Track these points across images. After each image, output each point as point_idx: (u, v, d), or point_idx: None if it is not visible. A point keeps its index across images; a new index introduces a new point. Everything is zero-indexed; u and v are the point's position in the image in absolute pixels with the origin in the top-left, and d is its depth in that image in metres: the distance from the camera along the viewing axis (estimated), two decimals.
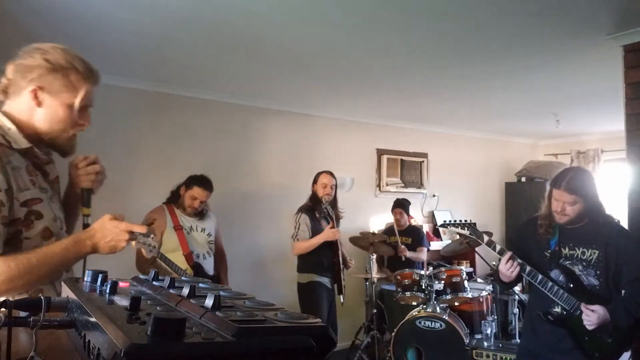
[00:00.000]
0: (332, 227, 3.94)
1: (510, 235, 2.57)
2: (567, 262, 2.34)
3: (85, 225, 1.51)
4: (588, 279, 2.29)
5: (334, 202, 4.09)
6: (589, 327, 2.20)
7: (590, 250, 2.29)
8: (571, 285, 2.29)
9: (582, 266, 2.30)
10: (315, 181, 4.10)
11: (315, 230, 3.96)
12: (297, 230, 3.94)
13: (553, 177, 2.38)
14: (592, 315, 2.19)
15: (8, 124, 1.36)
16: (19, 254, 1.28)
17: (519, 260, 2.35)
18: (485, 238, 2.56)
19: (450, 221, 2.82)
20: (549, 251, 2.38)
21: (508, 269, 2.34)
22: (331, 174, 4.08)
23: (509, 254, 2.36)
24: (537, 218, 2.45)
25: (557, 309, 2.32)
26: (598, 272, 2.27)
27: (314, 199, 4.06)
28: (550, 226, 2.38)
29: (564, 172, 2.35)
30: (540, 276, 2.32)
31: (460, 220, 2.76)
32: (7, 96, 1.40)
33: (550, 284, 2.30)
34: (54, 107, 1.38)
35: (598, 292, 2.27)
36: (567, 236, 2.35)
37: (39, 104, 1.37)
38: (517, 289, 4.80)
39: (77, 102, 1.41)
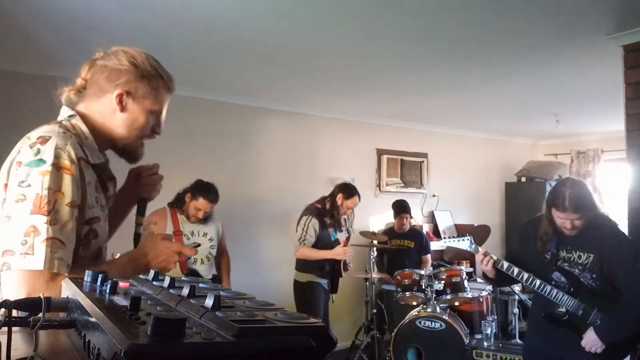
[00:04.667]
0: (345, 246, 3.86)
1: (510, 240, 2.60)
2: (564, 265, 2.36)
3: (137, 235, 1.48)
4: (586, 281, 2.32)
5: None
6: (598, 351, 2.22)
7: (586, 254, 2.32)
8: (572, 289, 2.32)
9: (579, 269, 2.33)
10: (347, 196, 3.93)
11: (321, 238, 3.90)
12: (304, 234, 3.85)
13: (550, 197, 2.33)
14: (588, 344, 2.23)
15: (85, 131, 1.31)
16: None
17: (493, 256, 2.45)
18: (480, 250, 2.62)
19: (449, 238, 2.81)
20: (549, 254, 2.41)
21: (480, 260, 2.48)
22: (359, 196, 4.02)
23: (482, 250, 2.51)
24: (536, 221, 2.46)
25: (562, 310, 2.35)
26: (594, 275, 2.30)
27: (332, 209, 3.94)
28: (551, 239, 2.40)
29: (560, 190, 2.27)
30: (538, 281, 2.35)
31: (459, 237, 2.78)
32: (81, 96, 1.34)
33: (549, 288, 2.33)
34: (136, 113, 1.35)
35: (600, 292, 2.29)
36: (564, 239, 2.37)
37: (123, 109, 1.33)
38: (517, 289, 4.80)
39: (161, 109, 1.40)
